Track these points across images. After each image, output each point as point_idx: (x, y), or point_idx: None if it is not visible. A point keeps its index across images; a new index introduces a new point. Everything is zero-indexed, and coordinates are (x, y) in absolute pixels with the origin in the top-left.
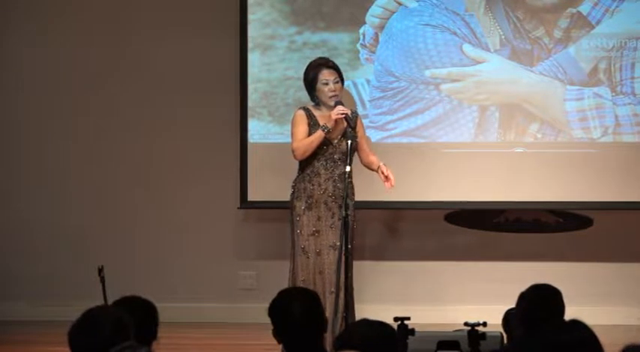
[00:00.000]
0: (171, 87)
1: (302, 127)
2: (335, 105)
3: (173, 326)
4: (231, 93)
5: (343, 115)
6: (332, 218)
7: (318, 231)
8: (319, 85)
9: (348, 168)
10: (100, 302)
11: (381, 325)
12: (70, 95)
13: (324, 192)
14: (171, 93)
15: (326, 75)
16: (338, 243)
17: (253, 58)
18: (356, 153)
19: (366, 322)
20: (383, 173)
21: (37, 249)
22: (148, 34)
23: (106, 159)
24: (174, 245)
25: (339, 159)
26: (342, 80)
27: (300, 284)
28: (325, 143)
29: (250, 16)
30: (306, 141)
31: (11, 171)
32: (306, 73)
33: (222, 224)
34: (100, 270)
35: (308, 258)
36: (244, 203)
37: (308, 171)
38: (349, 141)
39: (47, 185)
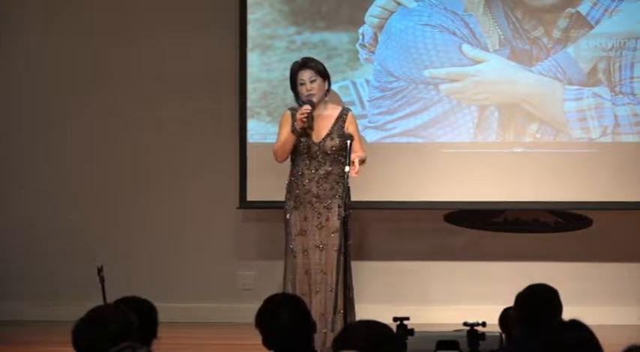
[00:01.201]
0: (170, 87)
1: (283, 129)
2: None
3: (173, 326)
4: (231, 93)
5: (304, 115)
6: (318, 218)
7: (304, 231)
8: (298, 86)
9: (347, 169)
10: (99, 302)
11: (380, 325)
12: (70, 95)
13: (307, 193)
14: (170, 93)
15: (302, 75)
16: (324, 243)
17: (253, 58)
18: (338, 151)
19: (364, 322)
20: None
21: (37, 248)
22: (148, 33)
23: (105, 158)
24: (174, 245)
25: (323, 158)
26: (324, 77)
27: (288, 283)
28: (308, 143)
29: (250, 16)
30: (279, 144)
31: (11, 170)
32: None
33: (221, 224)
34: (100, 270)
35: (295, 257)
36: (244, 203)
37: (294, 172)
38: (349, 141)
39: (47, 185)
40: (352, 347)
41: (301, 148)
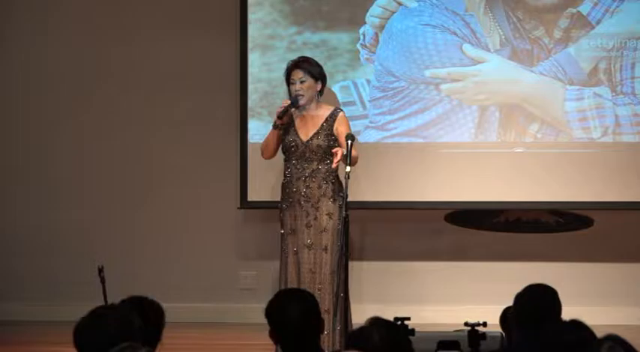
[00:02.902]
0: (171, 87)
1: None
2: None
3: (173, 326)
4: (231, 94)
5: (281, 109)
6: (307, 217)
7: (294, 230)
8: (290, 86)
9: (348, 169)
10: (100, 302)
11: (397, 327)
12: (70, 95)
13: (296, 192)
14: (171, 93)
15: (294, 75)
16: (313, 242)
17: (253, 58)
18: (325, 150)
19: (382, 323)
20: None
21: (37, 248)
22: (148, 34)
23: (105, 158)
24: (175, 245)
25: (310, 157)
26: (316, 79)
27: (282, 283)
28: (296, 142)
29: (250, 16)
30: (264, 141)
31: (11, 170)
32: None
33: (222, 224)
34: (100, 270)
35: (287, 256)
36: (244, 203)
37: (285, 171)
38: (349, 141)
39: (47, 184)
40: (368, 347)
41: (290, 147)
